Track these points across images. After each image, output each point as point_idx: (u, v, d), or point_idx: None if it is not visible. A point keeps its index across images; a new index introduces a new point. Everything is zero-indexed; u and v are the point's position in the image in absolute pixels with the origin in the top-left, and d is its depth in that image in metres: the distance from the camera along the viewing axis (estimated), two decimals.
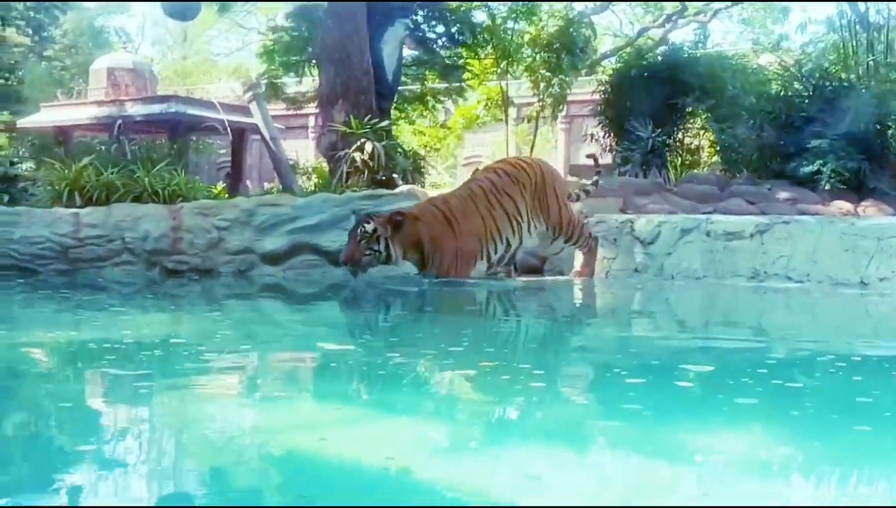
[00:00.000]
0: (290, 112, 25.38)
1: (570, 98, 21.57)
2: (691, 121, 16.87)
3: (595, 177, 10.60)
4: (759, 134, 14.69)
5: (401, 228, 8.83)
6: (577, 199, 10.40)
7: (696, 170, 16.28)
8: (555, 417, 3.20)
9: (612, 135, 17.24)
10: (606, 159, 17.94)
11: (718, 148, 16.09)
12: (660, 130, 15.00)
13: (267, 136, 18.67)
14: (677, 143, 16.45)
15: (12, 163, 14.91)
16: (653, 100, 15.59)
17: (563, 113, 23.85)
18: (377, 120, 13.83)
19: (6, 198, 12.09)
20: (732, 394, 3.51)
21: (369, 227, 8.76)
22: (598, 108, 17.94)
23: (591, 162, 11.05)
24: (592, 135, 18.18)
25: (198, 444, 2.70)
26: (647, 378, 3.92)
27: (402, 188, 11.40)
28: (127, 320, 6.25)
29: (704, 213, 11.16)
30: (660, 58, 18.68)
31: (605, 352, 4.94)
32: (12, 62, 25.74)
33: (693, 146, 17.09)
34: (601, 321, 7.12)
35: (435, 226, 9.10)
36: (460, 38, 21.18)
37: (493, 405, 3.39)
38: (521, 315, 7.32)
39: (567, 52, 19.17)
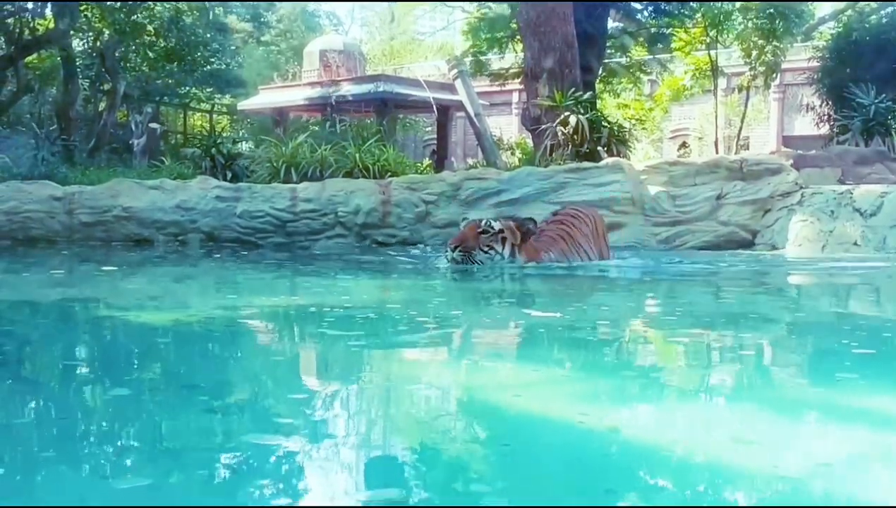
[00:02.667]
0: (494, 88, 25.66)
1: (784, 66, 20.62)
2: None
3: None
4: None
5: (530, 237, 8.58)
6: None
7: None
8: (766, 383, 3.11)
9: (829, 103, 16.38)
10: (823, 129, 17.09)
11: None
12: (883, 96, 14.07)
13: (471, 113, 18.95)
14: None
15: (234, 142, 15.83)
16: (876, 65, 14.68)
17: (777, 82, 22.86)
18: (581, 93, 13.71)
19: (229, 175, 12.85)
20: None
21: (496, 225, 8.34)
22: (816, 76, 17.07)
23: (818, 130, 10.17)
24: (808, 105, 17.38)
25: (403, 395, 2.81)
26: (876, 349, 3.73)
27: (607, 161, 11.26)
28: (345, 288, 6.62)
29: None
30: (885, 20, 17.52)
31: (823, 325, 4.71)
32: (233, 48, 27.32)
33: None
34: (815, 295, 6.79)
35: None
36: (667, 7, 20.67)
37: (704, 370, 3.32)
38: (738, 288, 7.08)
39: (782, 17, 18.29)
